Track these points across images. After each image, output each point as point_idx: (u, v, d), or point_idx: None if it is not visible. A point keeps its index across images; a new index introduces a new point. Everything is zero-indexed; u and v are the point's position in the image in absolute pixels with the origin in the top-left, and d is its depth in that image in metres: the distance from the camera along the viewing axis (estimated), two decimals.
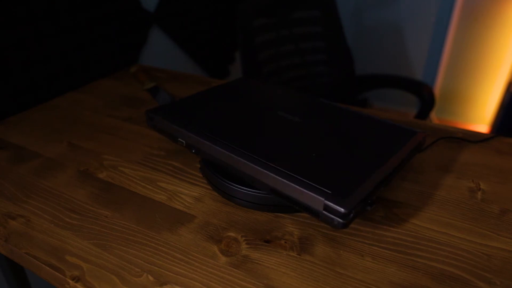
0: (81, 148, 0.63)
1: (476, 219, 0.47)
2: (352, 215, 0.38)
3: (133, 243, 0.44)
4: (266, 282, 0.39)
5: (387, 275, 0.40)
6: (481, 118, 2.15)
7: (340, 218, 0.38)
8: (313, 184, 0.40)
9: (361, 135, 0.52)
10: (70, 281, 0.40)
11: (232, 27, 1.48)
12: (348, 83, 1.46)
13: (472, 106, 2.14)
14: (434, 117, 2.24)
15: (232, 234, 0.46)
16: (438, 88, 2.17)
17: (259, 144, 0.48)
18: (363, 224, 0.46)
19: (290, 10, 1.32)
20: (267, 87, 0.67)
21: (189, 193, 0.52)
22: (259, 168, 0.44)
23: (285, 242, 0.44)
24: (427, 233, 0.45)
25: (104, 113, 0.75)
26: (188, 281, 0.40)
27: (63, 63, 0.85)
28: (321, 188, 0.40)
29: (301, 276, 0.40)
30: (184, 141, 0.53)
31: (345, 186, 0.40)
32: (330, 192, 0.39)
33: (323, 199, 0.39)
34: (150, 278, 0.40)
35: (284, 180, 0.42)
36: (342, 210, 0.37)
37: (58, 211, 0.50)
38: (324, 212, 0.39)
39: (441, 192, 0.52)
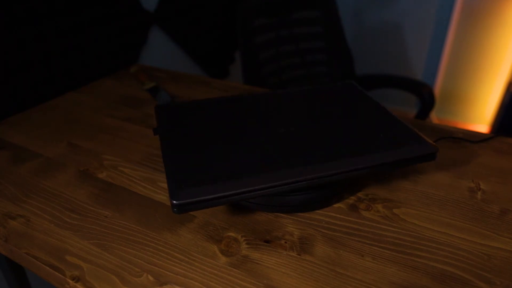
0: (81, 148, 0.63)
1: (476, 219, 0.47)
2: None
3: (133, 243, 0.44)
4: (266, 282, 0.39)
5: (387, 275, 0.40)
6: (481, 118, 2.15)
7: (436, 151, 0.48)
8: (406, 143, 0.48)
9: (329, 105, 0.58)
10: (70, 281, 0.40)
11: (232, 27, 1.47)
12: None
13: (472, 106, 2.14)
14: (434, 117, 2.24)
15: (232, 234, 0.45)
16: (438, 88, 2.17)
17: (317, 151, 0.47)
18: (363, 224, 0.46)
19: (290, 10, 1.32)
20: (201, 104, 0.59)
21: None
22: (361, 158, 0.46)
23: (285, 242, 0.44)
24: (427, 233, 0.45)
25: (104, 113, 0.75)
26: (188, 281, 0.40)
27: (63, 63, 0.85)
28: (414, 143, 0.48)
29: (301, 276, 0.40)
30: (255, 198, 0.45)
31: (415, 134, 0.50)
32: (421, 140, 0.49)
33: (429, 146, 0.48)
34: (150, 278, 0.40)
35: (390, 152, 0.47)
36: (435, 149, 0.48)
37: (58, 211, 0.50)
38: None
39: (441, 192, 0.52)
